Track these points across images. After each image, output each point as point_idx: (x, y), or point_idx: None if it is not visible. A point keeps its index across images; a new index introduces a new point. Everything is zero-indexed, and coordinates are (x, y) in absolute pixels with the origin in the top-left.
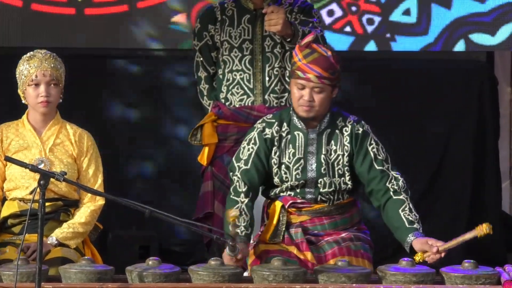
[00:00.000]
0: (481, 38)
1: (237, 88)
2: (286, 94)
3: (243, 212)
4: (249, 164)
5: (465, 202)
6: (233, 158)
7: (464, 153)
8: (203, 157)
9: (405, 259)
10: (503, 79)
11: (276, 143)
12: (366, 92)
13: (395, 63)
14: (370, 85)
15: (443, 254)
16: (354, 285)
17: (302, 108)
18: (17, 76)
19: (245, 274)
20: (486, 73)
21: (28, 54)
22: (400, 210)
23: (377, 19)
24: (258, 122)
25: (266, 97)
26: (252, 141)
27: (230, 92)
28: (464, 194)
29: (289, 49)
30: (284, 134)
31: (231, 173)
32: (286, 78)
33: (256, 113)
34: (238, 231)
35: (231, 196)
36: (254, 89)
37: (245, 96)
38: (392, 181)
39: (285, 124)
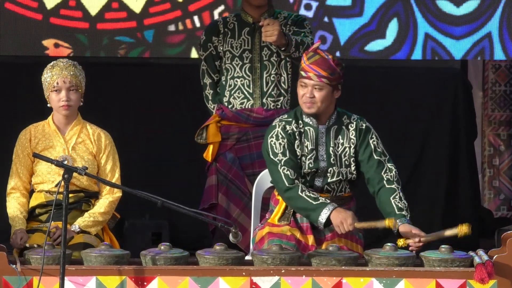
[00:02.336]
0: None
1: (238, 93)
2: (282, 98)
3: (307, 190)
4: (288, 154)
5: (441, 193)
6: (270, 156)
7: (440, 149)
8: (208, 154)
9: (389, 244)
10: (476, 84)
11: (297, 137)
12: (348, 95)
13: (380, 69)
14: (352, 88)
15: (421, 244)
16: (343, 267)
17: (305, 104)
18: (42, 82)
19: (247, 257)
20: (460, 78)
21: (51, 63)
22: (391, 198)
23: (314, 4)
24: (276, 121)
25: (264, 100)
26: (280, 136)
27: (232, 96)
28: (440, 186)
29: (284, 58)
30: (301, 130)
31: (275, 168)
32: (282, 84)
33: (255, 115)
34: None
35: (286, 187)
36: (253, 93)
37: (245, 100)
38: (387, 171)
39: (300, 121)
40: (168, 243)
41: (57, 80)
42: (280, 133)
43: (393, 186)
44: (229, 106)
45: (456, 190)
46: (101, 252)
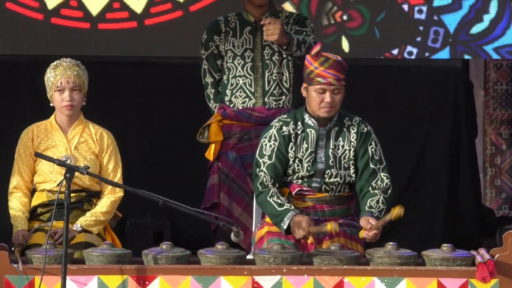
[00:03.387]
0: None
1: (240, 92)
2: (284, 97)
3: (276, 195)
4: (273, 159)
5: (442, 192)
6: (257, 155)
7: (442, 148)
8: (210, 153)
9: (390, 243)
10: (477, 83)
11: (292, 140)
12: (349, 94)
13: (382, 68)
14: (354, 88)
15: (372, 233)
16: (344, 266)
17: (324, 110)
18: (45, 82)
19: (248, 256)
20: (461, 77)
21: (54, 63)
22: (369, 199)
23: (424, 8)
24: (274, 121)
25: (266, 99)
26: (273, 138)
27: (234, 96)
28: (442, 185)
29: (286, 57)
30: (299, 132)
31: (257, 169)
32: (284, 83)
33: (257, 114)
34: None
35: (259, 192)
36: (255, 92)
37: (247, 99)
38: (378, 181)
39: (299, 123)
40: (169, 242)
41: (61, 80)
42: (274, 135)
43: (376, 191)
44: (231, 105)
45: (457, 190)
46: (103, 251)
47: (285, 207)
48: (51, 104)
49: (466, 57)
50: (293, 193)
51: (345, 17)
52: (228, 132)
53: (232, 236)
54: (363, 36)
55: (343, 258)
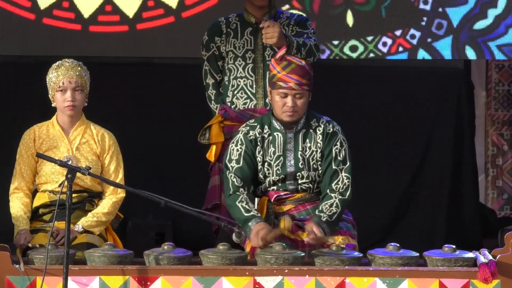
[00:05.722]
0: None
1: (241, 93)
2: None
3: (245, 201)
4: (241, 162)
5: (444, 193)
6: (225, 161)
7: (444, 149)
8: (211, 154)
9: (392, 244)
10: (479, 84)
11: (259, 143)
12: (351, 95)
13: (382, 69)
14: (361, 88)
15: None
16: (346, 267)
17: (286, 114)
18: (47, 82)
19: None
20: (463, 78)
21: (57, 63)
22: (324, 203)
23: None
24: (242, 126)
25: (267, 101)
26: (240, 142)
27: (235, 97)
28: (444, 186)
29: None
30: (266, 136)
31: (226, 172)
32: None
33: (258, 115)
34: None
35: (229, 193)
36: (256, 93)
37: (248, 100)
38: (339, 182)
39: (266, 126)
40: (171, 243)
41: (63, 80)
42: (241, 139)
43: (333, 195)
44: (232, 106)
45: (459, 190)
46: (105, 252)
47: (251, 213)
48: (52, 105)
49: (468, 51)
50: (272, 200)
51: None
52: (229, 133)
53: (234, 237)
54: (369, 13)
55: (344, 258)
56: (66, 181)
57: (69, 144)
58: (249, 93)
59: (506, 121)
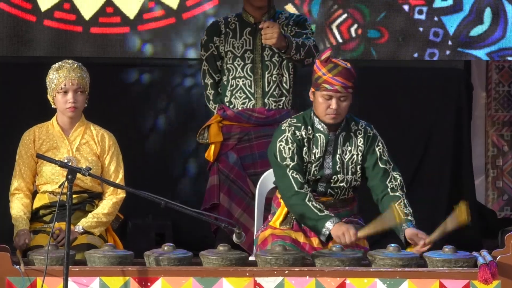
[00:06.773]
0: None
1: (240, 93)
2: (283, 98)
3: (313, 200)
4: (295, 159)
5: (444, 193)
6: (278, 160)
7: (443, 149)
8: (210, 154)
9: (392, 245)
10: (479, 85)
11: (306, 144)
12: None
13: (383, 70)
14: (361, 88)
15: (427, 247)
16: (346, 267)
17: (329, 116)
18: (47, 83)
19: (250, 258)
20: (463, 79)
21: (57, 64)
22: (396, 204)
23: (425, 9)
24: (285, 125)
25: (265, 100)
26: (290, 141)
27: (234, 96)
28: (443, 187)
29: (285, 59)
30: (310, 137)
31: (286, 170)
32: (284, 84)
33: (256, 115)
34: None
35: (295, 191)
36: (255, 93)
37: (247, 100)
38: (392, 180)
39: (309, 127)
40: (171, 244)
41: (65, 82)
42: (290, 138)
43: (397, 193)
44: (231, 106)
45: (459, 191)
46: (105, 252)
47: (325, 212)
48: (52, 106)
49: (466, 55)
50: None
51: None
52: (227, 133)
53: (234, 238)
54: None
55: (345, 259)
56: (66, 182)
57: (69, 145)
58: (247, 93)
59: (506, 122)
